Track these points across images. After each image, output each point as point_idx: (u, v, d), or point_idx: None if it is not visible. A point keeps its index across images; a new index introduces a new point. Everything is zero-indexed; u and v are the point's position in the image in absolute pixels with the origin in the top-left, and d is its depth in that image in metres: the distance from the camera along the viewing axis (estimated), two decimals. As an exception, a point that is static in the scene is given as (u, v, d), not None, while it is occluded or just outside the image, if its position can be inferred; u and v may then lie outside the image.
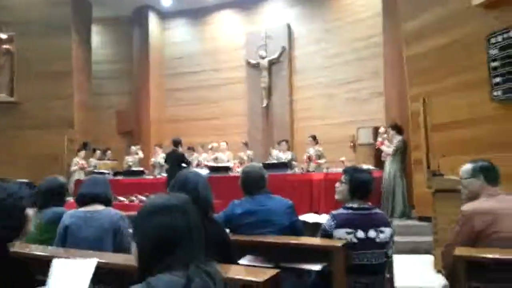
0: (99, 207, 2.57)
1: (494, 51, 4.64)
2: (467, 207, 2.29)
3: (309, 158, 8.05)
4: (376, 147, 7.23)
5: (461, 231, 2.24)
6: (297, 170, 7.65)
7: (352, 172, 2.62)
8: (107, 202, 2.63)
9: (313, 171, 7.63)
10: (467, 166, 2.56)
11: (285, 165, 7.58)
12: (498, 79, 4.61)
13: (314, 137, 8.17)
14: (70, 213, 2.55)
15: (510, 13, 4.50)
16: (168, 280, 1.13)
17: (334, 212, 2.57)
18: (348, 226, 2.44)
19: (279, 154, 8.44)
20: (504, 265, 1.83)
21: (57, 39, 9.52)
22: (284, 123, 10.63)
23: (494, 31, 4.64)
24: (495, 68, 4.64)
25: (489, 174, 2.45)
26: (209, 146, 9.71)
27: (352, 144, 8.93)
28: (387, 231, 2.49)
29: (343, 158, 7.60)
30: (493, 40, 4.65)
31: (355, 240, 2.39)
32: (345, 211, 2.53)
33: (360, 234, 2.42)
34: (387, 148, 6.77)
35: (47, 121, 9.38)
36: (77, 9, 10.24)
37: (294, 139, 10.39)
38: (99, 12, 11.47)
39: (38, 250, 2.23)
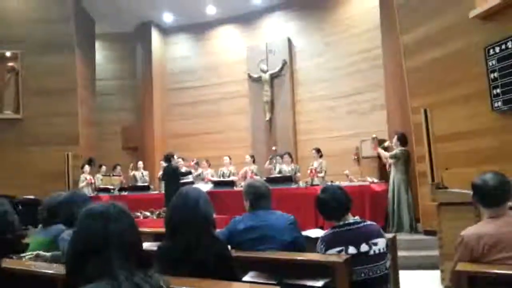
0: None
1: (492, 62, 4.67)
2: (466, 231, 2.14)
3: (314, 171, 8.00)
4: (373, 148, 7.23)
5: (461, 256, 2.12)
6: (301, 184, 7.63)
7: (320, 193, 2.61)
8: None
9: (317, 184, 7.61)
10: None
11: (289, 179, 7.57)
12: (497, 90, 4.63)
13: (318, 150, 8.16)
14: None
15: (507, 24, 4.53)
16: None
17: (322, 234, 2.56)
18: (337, 245, 2.40)
19: (283, 167, 8.42)
20: (504, 281, 1.83)
21: (61, 55, 9.62)
22: (288, 137, 10.64)
23: (492, 42, 4.67)
24: (494, 79, 4.66)
25: (480, 195, 2.18)
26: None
27: (355, 157, 8.93)
28: (381, 242, 2.43)
29: (346, 171, 7.60)
30: (491, 51, 4.68)
31: (348, 257, 2.34)
32: (332, 231, 2.50)
33: (352, 250, 2.38)
34: (384, 152, 6.80)
35: (52, 138, 9.45)
36: (80, 26, 10.36)
37: (297, 152, 10.39)
38: (102, 29, 11.64)
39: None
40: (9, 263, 2.38)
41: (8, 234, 3.00)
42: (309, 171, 8.08)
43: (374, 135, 7.37)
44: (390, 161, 6.71)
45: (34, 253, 2.63)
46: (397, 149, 6.62)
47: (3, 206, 2.52)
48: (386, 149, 7.06)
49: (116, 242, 1.18)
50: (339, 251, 2.39)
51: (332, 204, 2.51)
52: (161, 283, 1.19)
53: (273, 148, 8.85)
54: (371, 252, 2.39)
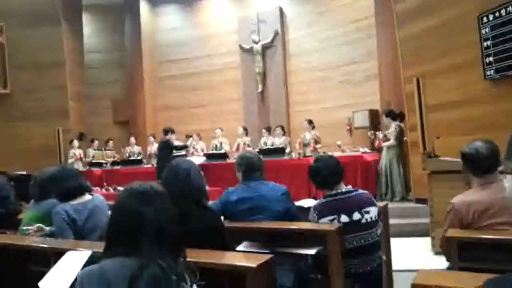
0: (87, 197, 2.62)
1: (486, 30, 4.63)
2: (456, 199, 2.16)
3: (303, 144, 7.98)
4: (377, 146, 7.19)
5: (451, 223, 2.14)
6: (294, 155, 7.66)
7: (313, 162, 2.66)
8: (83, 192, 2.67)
9: (310, 155, 7.63)
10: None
11: (282, 150, 7.60)
12: (490, 58, 4.61)
13: (310, 121, 8.13)
14: (70, 206, 2.53)
15: (502, -8, 4.47)
16: (121, 263, 1.15)
17: (315, 203, 2.59)
18: (330, 214, 2.44)
19: (275, 140, 8.40)
20: (492, 246, 1.86)
21: (47, 28, 9.38)
22: (280, 108, 10.60)
23: (485, 10, 4.61)
24: (487, 48, 4.63)
25: (471, 164, 2.16)
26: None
27: (348, 127, 8.93)
28: (373, 210, 2.48)
29: (339, 142, 7.63)
30: (485, 19, 4.63)
31: (340, 225, 2.39)
32: (324, 200, 2.54)
33: (344, 218, 2.42)
34: (388, 142, 6.72)
35: (41, 113, 9.32)
36: (67, -2, 10.08)
37: (290, 123, 10.38)
38: (90, 0, 11.31)
39: (56, 244, 2.17)
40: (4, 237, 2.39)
41: (1, 209, 2.99)
42: (298, 143, 8.03)
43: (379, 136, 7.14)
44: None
45: (35, 226, 2.63)
46: (393, 129, 6.59)
47: None
48: (385, 136, 6.94)
49: (149, 223, 1.20)
50: (332, 220, 2.43)
51: (324, 172, 2.53)
52: (185, 275, 1.22)
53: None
54: (363, 220, 2.44)
